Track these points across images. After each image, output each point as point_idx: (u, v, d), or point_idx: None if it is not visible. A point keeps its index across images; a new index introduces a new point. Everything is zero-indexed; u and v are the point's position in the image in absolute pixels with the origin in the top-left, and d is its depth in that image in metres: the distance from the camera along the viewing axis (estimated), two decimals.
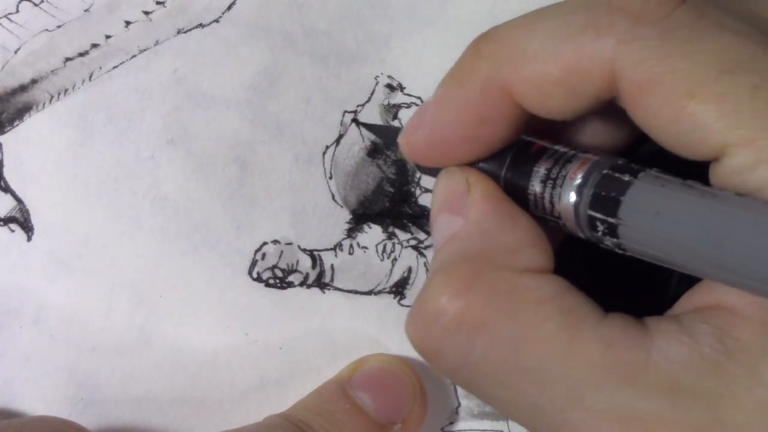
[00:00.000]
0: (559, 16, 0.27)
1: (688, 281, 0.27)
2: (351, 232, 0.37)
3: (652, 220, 0.24)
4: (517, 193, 0.28)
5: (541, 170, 0.28)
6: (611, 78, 0.26)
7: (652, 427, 0.24)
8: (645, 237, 0.25)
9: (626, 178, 0.25)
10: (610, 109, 0.28)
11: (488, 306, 0.26)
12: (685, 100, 0.24)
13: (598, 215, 0.26)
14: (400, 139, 0.30)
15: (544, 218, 0.28)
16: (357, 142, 0.37)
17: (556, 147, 0.28)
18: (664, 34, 0.25)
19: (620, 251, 0.26)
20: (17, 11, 0.37)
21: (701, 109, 0.24)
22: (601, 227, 0.26)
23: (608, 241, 0.26)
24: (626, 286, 0.29)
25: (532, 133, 0.29)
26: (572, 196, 0.27)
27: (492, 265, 0.27)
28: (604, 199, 0.26)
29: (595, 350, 0.25)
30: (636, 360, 0.24)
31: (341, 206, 0.37)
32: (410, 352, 0.37)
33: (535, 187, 0.28)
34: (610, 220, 0.25)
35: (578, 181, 0.26)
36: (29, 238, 0.37)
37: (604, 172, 0.26)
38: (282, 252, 0.37)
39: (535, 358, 0.25)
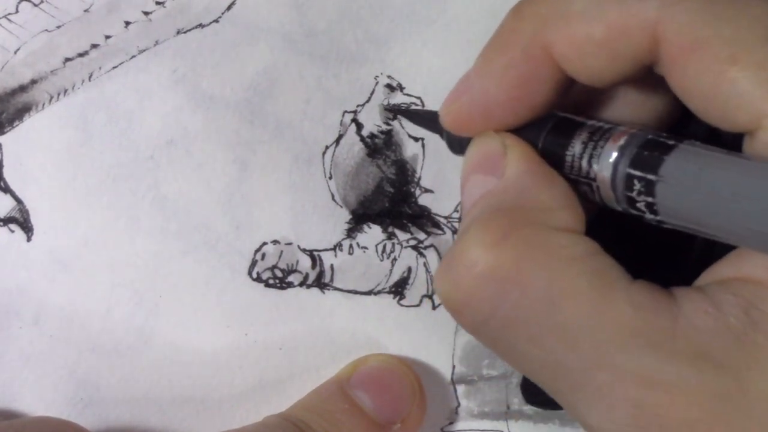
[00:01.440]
0: None
1: (709, 258, 0.27)
2: (351, 232, 0.37)
3: (695, 177, 0.24)
4: (553, 159, 0.28)
5: (583, 134, 0.28)
6: (653, 41, 0.26)
7: (674, 391, 0.24)
8: (685, 195, 0.25)
9: (671, 141, 0.25)
10: (646, 91, 0.28)
11: (523, 259, 0.26)
12: (727, 65, 0.24)
13: (638, 173, 0.26)
14: (441, 110, 0.30)
15: (578, 181, 0.28)
16: (357, 142, 0.37)
17: (594, 121, 0.29)
18: None
19: (650, 216, 0.26)
20: (17, 11, 0.37)
21: (742, 76, 0.24)
22: (637, 186, 0.26)
23: (641, 203, 0.26)
24: (645, 262, 0.29)
25: (571, 111, 0.29)
26: (613, 155, 0.27)
27: (527, 220, 0.27)
28: (647, 157, 0.26)
29: (624, 311, 0.25)
30: (664, 325, 0.24)
31: (341, 206, 0.37)
32: (410, 352, 0.37)
33: (575, 147, 0.28)
34: (650, 176, 0.25)
35: (622, 142, 0.27)
36: (29, 239, 0.37)
37: (649, 136, 0.26)
38: (282, 252, 0.37)
39: (566, 314, 0.25)
